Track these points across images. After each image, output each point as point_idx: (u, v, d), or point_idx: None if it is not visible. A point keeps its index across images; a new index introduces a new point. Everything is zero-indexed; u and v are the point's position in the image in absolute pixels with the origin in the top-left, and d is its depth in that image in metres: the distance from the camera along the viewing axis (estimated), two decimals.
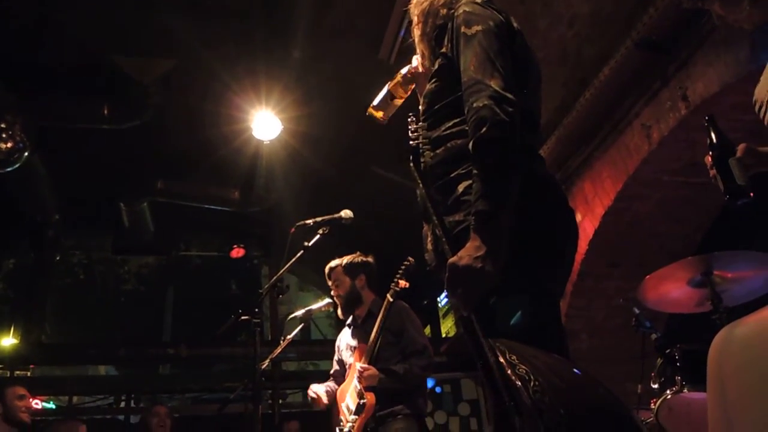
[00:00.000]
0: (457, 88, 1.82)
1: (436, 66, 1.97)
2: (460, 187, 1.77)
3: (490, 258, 1.58)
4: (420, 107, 2.01)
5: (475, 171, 1.67)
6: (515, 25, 1.95)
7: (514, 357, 1.46)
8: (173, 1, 5.50)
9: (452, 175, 1.81)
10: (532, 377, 1.40)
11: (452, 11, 1.93)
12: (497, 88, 1.70)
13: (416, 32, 2.12)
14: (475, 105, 1.70)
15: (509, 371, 1.43)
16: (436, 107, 1.92)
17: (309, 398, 3.94)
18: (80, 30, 5.66)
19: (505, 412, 1.44)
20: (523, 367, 1.43)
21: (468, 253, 1.60)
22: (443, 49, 1.94)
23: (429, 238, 1.89)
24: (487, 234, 1.60)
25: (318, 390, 3.87)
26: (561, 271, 1.82)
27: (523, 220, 1.67)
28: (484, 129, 1.66)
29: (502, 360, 1.46)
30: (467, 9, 1.88)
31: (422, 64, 2.16)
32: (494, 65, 1.75)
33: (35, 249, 8.78)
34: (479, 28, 1.82)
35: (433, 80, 1.97)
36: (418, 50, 2.15)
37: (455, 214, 1.76)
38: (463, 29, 1.85)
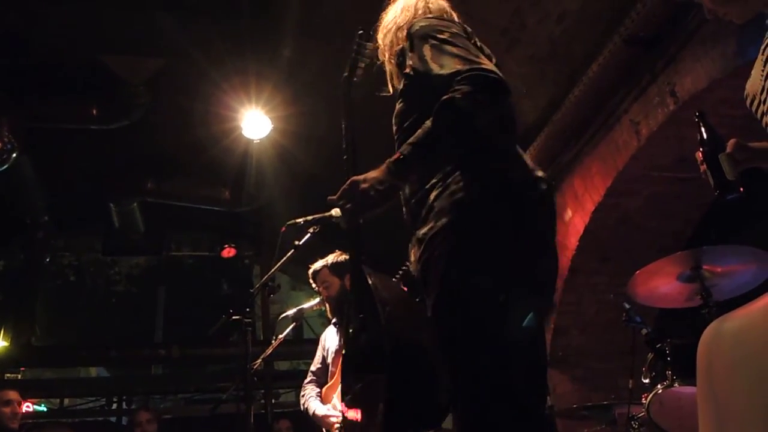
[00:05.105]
0: (421, 106, 1.87)
1: (401, 86, 2.03)
2: (432, 197, 1.82)
3: (384, 193, 1.79)
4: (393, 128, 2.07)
5: (429, 121, 1.76)
6: (477, 41, 2.01)
7: (376, 281, 1.76)
8: (162, 0, 5.47)
9: (426, 186, 1.85)
10: (388, 303, 1.71)
11: (409, 30, 1.99)
12: (482, 66, 1.76)
13: (386, 56, 2.21)
14: (459, 87, 1.73)
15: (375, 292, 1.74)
16: (405, 125, 1.97)
17: (312, 415, 3.89)
18: (68, 29, 5.63)
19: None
20: (385, 293, 1.73)
21: (373, 177, 1.80)
22: (406, 69, 1.99)
23: (412, 250, 1.91)
24: (395, 175, 1.79)
25: (330, 413, 3.78)
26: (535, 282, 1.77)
27: (494, 231, 1.71)
28: (461, 96, 1.71)
29: (370, 281, 1.78)
30: (423, 24, 1.95)
31: (392, 86, 2.23)
32: (469, 53, 1.83)
33: (25, 251, 8.74)
34: (443, 36, 1.88)
35: (400, 101, 2.04)
36: (388, 73, 2.23)
37: (427, 224, 1.80)
38: (416, 40, 1.91)
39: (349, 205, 1.84)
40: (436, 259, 1.73)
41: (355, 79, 2.24)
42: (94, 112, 6.22)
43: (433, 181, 1.83)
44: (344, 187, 1.85)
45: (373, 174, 1.81)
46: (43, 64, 5.98)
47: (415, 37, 1.93)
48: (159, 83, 6.16)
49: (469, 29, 2.02)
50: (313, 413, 3.83)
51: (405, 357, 1.68)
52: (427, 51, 1.86)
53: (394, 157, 1.79)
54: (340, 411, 3.61)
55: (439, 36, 1.87)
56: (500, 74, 1.76)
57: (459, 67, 1.76)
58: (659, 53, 4.34)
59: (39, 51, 5.82)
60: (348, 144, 2.07)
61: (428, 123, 1.75)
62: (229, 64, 5.92)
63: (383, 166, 1.80)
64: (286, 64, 5.77)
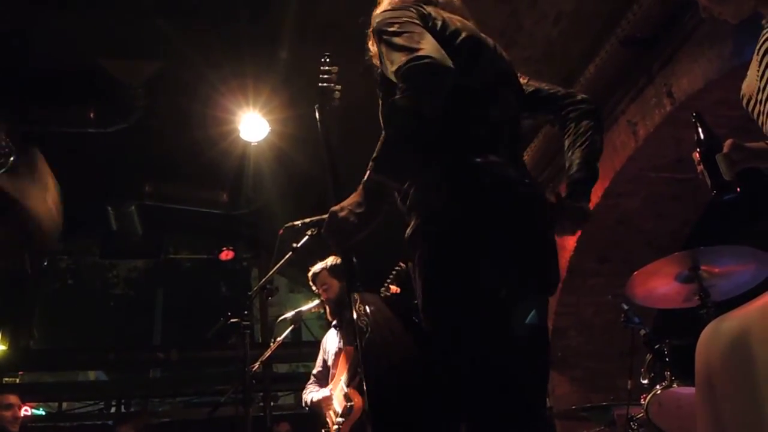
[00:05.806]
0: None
1: (378, 87, 1.99)
2: (410, 194, 1.80)
3: (365, 216, 1.80)
4: None
5: (384, 131, 1.76)
6: (439, 21, 1.90)
7: (362, 308, 1.77)
8: (160, 4, 5.47)
9: (405, 185, 1.84)
10: (369, 329, 1.72)
11: (373, 29, 1.94)
12: (417, 55, 1.66)
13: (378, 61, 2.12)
14: (400, 85, 1.68)
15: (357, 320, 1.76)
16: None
17: (309, 403, 3.92)
18: (66, 33, 5.62)
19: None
20: (365, 319, 1.74)
21: (349, 203, 1.82)
22: (379, 70, 1.96)
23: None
24: (371, 193, 1.81)
25: (326, 394, 3.82)
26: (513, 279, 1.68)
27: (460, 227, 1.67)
28: (400, 96, 1.67)
29: (354, 309, 1.79)
30: (378, 19, 1.89)
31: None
32: (411, 41, 1.72)
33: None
34: (393, 28, 1.80)
35: (380, 100, 1.99)
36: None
37: (410, 223, 1.79)
38: (376, 39, 1.88)
39: (332, 238, 1.86)
40: (417, 259, 1.73)
41: (334, 104, 2.25)
42: (92, 115, 6.20)
43: (410, 180, 1.81)
44: (325, 219, 1.87)
45: (350, 199, 1.82)
46: (40, 67, 5.97)
47: (375, 35, 1.90)
48: (157, 86, 6.15)
49: (427, 9, 1.91)
50: (311, 400, 3.87)
51: (386, 389, 1.65)
52: (383, 49, 1.82)
53: (365, 176, 1.79)
54: (338, 415, 3.61)
55: (389, 30, 1.80)
56: (435, 55, 1.65)
57: (402, 60, 1.69)
58: (656, 54, 4.35)
59: (37, 54, 5.81)
60: (332, 171, 2.15)
61: (384, 133, 1.75)
62: (227, 67, 5.91)
63: (360, 188, 1.82)
64: (284, 67, 5.77)
